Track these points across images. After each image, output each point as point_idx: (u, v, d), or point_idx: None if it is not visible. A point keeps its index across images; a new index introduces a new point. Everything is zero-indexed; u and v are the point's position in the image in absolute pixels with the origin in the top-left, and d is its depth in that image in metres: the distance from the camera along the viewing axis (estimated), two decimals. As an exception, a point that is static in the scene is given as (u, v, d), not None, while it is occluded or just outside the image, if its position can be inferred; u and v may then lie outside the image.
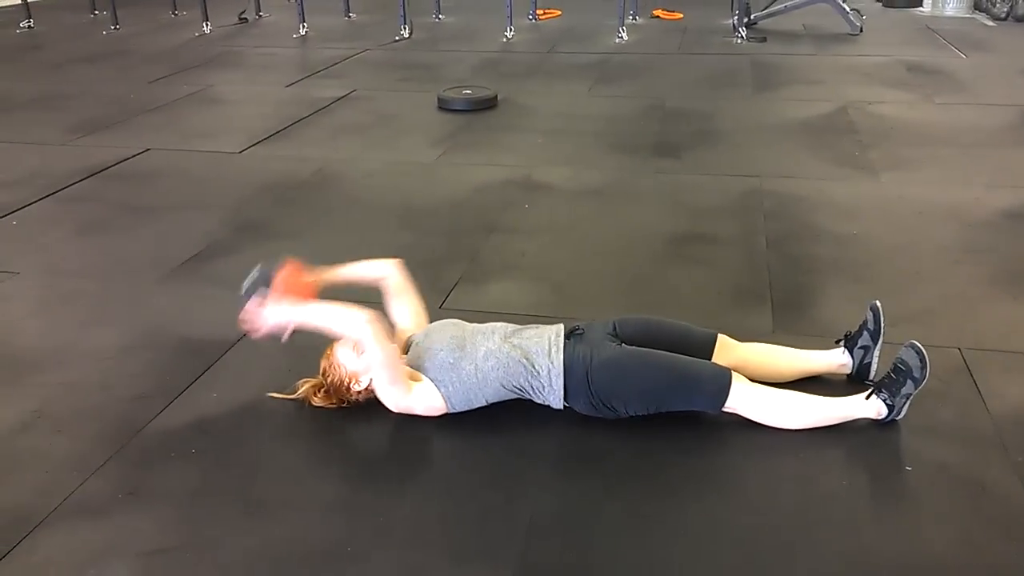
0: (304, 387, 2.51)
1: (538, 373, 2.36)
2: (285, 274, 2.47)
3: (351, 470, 2.30)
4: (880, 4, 9.05)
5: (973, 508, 2.06)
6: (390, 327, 2.60)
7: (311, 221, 3.94)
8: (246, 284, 2.45)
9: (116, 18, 8.92)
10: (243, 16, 9.19)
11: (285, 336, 2.45)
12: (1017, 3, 8.12)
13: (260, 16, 9.37)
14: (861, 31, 7.67)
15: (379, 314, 2.47)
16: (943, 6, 8.56)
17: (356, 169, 4.60)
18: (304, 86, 6.48)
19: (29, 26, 9.10)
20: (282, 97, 6.19)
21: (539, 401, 2.40)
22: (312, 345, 2.80)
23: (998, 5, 8.18)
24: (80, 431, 2.45)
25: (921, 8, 8.81)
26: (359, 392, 2.44)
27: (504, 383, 2.38)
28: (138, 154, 4.92)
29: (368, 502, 2.16)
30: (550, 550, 1.98)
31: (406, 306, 2.72)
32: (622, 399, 2.34)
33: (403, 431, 2.41)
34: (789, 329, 2.86)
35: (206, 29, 8.53)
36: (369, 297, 2.70)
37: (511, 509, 2.11)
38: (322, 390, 2.48)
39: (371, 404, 2.45)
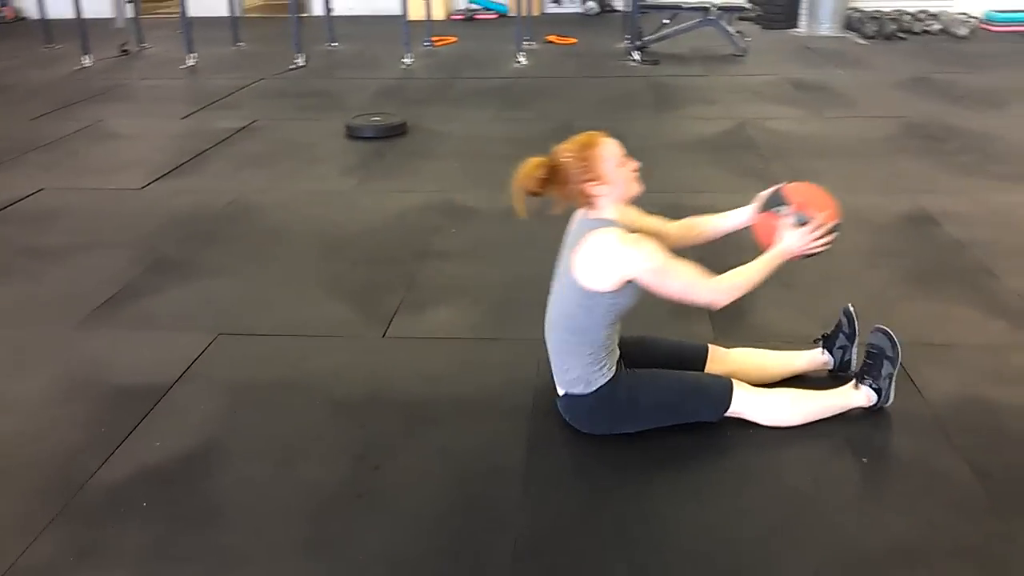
0: (529, 164, 2.27)
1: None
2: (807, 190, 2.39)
3: (315, 507, 2.21)
4: (759, 26, 9.53)
5: (927, 493, 2.18)
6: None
7: (232, 256, 3.80)
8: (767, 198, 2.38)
9: (-14, 52, 8.44)
10: (125, 48, 8.84)
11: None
12: (885, 23, 8.72)
13: (143, 47, 9.04)
14: (745, 52, 8.06)
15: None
16: (817, 27, 9.09)
17: (271, 200, 4.48)
18: (201, 118, 6.28)
19: None
20: (179, 130, 5.98)
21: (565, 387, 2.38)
22: (253, 384, 2.72)
23: (867, 25, 8.75)
24: (15, 490, 2.28)
25: (797, 29, 9.33)
26: (590, 196, 2.23)
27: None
28: (31, 194, 4.64)
29: (341, 540, 2.09)
30: (538, 573, 1.97)
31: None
32: (632, 418, 2.38)
33: (358, 460, 2.35)
34: (729, 335, 2.94)
35: (87, 62, 8.16)
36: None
37: (492, 536, 2.08)
38: (548, 171, 2.24)
39: (314, 433, 2.38)
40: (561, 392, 2.41)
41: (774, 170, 4.74)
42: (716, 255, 2.76)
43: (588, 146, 2.24)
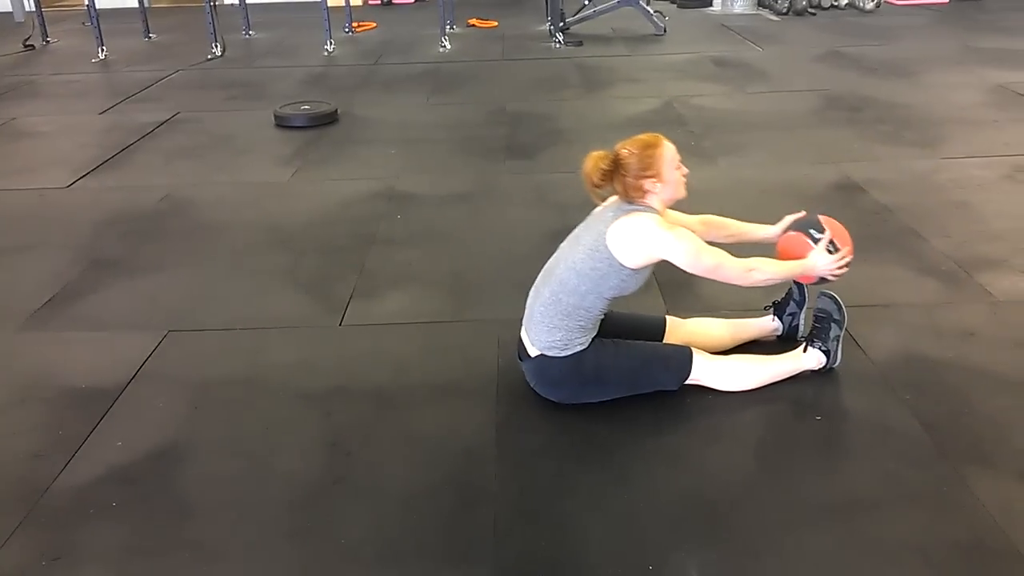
0: (594, 157, 2.42)
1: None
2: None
3: (291, 497, 2.20)
4: (675, 5, 9.71)
5: (880, 445, 2.31)
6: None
7: (172, 252, 3.72)
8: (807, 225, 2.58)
9: None
10: (28, 43, 8.45)
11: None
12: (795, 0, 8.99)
13: (48, 42, 8.65)
14: (665, 31, 8.20)
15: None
16: (731, 5, 9.31)
17: (206, 194, 4.38)
18: (120, 112, 6.08)
19: None
20: (99, 125, 5.77)
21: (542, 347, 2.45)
22: (211, 380, 2.69)
23: (779, 1, 9.01)
24: (-26, 501, 2.20)
25: (712, 7, 9.54)
26: (647, 191, 2.37)
27: None
28: (-53, 197, 4.43)
29: (321, 526, 2.09)
30: (521, 545, 2.01)
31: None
32: (599, 387, 2.47)
33: (330, 447, 2.36)
34: (679, 307, 3.04)
35: (-11, 58, 7.78)
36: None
37: (472, 512, 2.12)
38: (610, 165, 2.39)
39: (281, 425, 2.37)
40: (534, 353, 2.46)
41: (706, 146, 4.87)
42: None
43: (650, 145, 2.41)
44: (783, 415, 2.46)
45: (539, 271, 3.37)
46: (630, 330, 2.58)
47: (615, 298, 2.45)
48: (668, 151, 2.41)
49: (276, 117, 5.59)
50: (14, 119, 5.92)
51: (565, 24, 8.18)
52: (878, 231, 3.65)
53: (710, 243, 2.54)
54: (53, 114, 6.07)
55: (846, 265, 2.55)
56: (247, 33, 8.77)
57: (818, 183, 4.22)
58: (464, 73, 6.92)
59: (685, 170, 2.47)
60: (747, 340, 2.76)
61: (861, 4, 9.03)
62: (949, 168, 4.39)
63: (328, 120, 5.56)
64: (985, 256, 3.37)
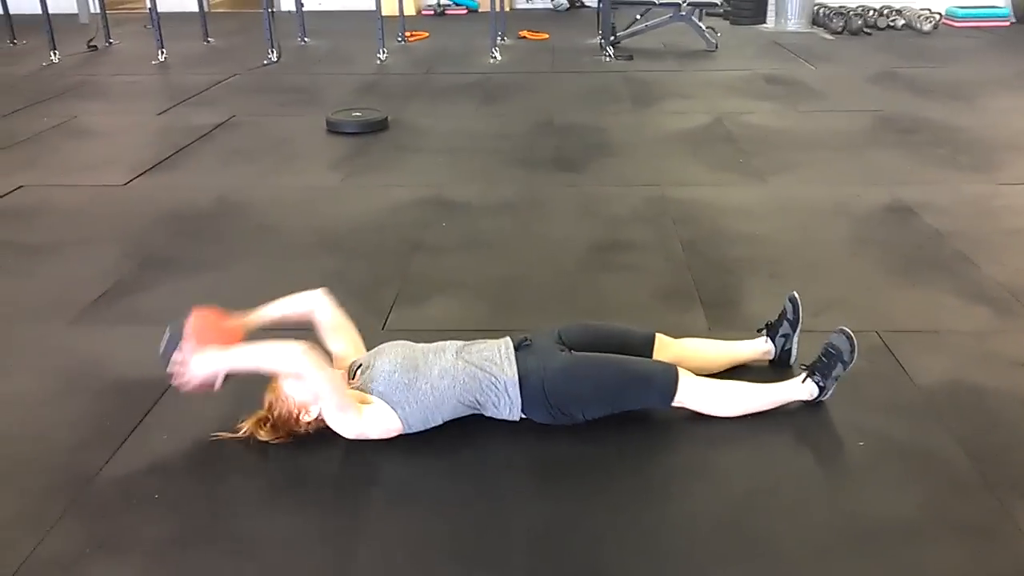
0: (249, 423, 2.41)
1: (494, 386, 2.39)
2: (199, 322, 2.40)
3: (326, 497, 2.23)
4: (728, 22, 9.65)
5: (925, 472, 2.26)
6: (328, 357, 2.55)
7: (224, 252, 3.79)
8: (161, 346, 2.38)
9: (-51, 48, 8.26)
10: (92, 44, 8.71)
11: (218, 385, 2.37)
12: (851, 18, 8.89)
13: (110, 43, 8.90)
14: (716, 47, 8.16)
15: (312, 344, 2.39)
16: (785, 22, 9.23)
17: (258, 196, 4.46)
18: (177, 113, 6.22)
19: None
20: (156, 125, 5.92)
21: (494, 415, 2.42)
22: (257, 378, 2.73)
23: (834, 20, 8.91)
24: (22, 486, 2.26)
25: (765, 24, 9.47)
26: (308, 423, 2.37)
27: (461, 399, 2.39)
28: (11, 192, 4.57)
29: (357, 528, 2.12)
30: (556, 558, 2.01)
31: (342, 334, 2.68)
32: (579, 404, 2.41)
33: (359, 454, 2.37)
34: (723, 325, 3.01)
35: (54, 58, 8.02)
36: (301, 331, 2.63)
37: (505, 522, 2.12)
38: (268, 424, 2.39)
39: (322, 430, 2.40)
40: None
41: (755, 164, 4.83)
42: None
43: (273, 393, 2.38)
44: (825, 437, 2.42)
45: (583, 284, 3.39)
46: (614, 346, 2.52)
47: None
48: (285, 386, 2.37)
49: (328, 123, 5.67)
50: (75, 117, 6.10)
51: (616, 38, 8.18)
52: (929, 255, 3.59)
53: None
54: (112, 114, 6.25)
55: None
56: (303, 40, 8.93)
57: (869, 205, 4.16)
58: (513, 84, 6.96)
59: (304, 379, 2.34)
60: (738, 363, 2.70)
61: (918, 25, 8.89)
62: (1005, 194, 4.30)
63: (379, 127, 5.63)
64: (1040, 285, 3.29)
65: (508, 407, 2.40)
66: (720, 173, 4.68)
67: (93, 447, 2.42)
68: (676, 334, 2.73)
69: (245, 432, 2.40)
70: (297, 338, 2.37)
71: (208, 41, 9.00)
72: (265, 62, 7.88)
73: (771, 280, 3.38)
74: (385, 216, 4.15)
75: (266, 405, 2.39)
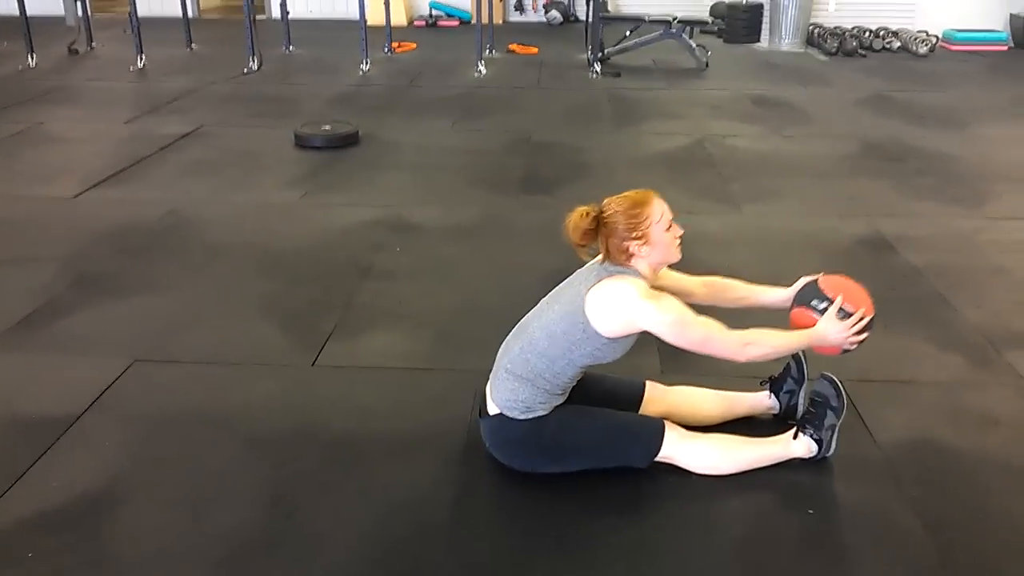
0: (578, 212, 2.20)
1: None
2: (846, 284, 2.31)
3: (220, 558, 2.03)
4: (721, 40, 9.48)
5: (876, 548, 2.06)
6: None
7: (163, 272, 3.60)
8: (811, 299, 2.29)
9: (-76, 49, 8.10)
10: (73, 48, 8.56)
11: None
12: (846, 39, 8.71)
13: (92, 47, 8.76)
14: (707, 66, 7.99)
15: None
16: (779, 42, 9.07)
17: (211, 212, 4.28)
18: (145, 122, 6.05)
19: None
20: (121, 134, 5.75)
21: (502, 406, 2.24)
22: (166, 417, 2.55)
23: (828, 41, 8.74)
24: None
25: (759, 44, 9.30)
26: (631, 253, 2.16)
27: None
28: (-46, 201, 4.40)
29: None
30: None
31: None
32: (556, 457, 2.25)
33: (272, 504, 2.18)
34: (676, 370, 2.80)
35: (31, 62, 7.86)
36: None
37: (410, 591, 1.92)
38: (594, 222, 2.16)
39: (227, 474, 2.20)
40: (493, 411, 2.26)
41: (733, 189, 4.64)
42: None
43: (639, 203, 2.18)
44: (770, 504, 2.21)
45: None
46: (601, 395, 2.35)
47: (590, 365, 2.23)
48: (658, 210, 2.19)
49: (296, 136, 5.49)
50: (41, 124, 5.93)
51: (604, 54, 8.01)
52: (903, 295, 3.39)
53: (713, 308, 2.32)
54: (79, 121, 6.07)
55: (866, 329, 2.25)
56: (288, 49, 8.78)
57: (844, 237, 3.96)
58: (495, 99, 6.79)
59: (679, 231, 2.24)
60: (737, 417, 2.51)
61: (914, 48, 8.72)
62: (992, 229, 4.11)
63: (348, 142, 5.46)
64: (1019, 332, 3.09)
65: (524, 408, 2.22)
66: (696, 199, 4.49)
67: (-25, 494, 2.22)
68: (626, 374, 2.53)
69: (576, 217, 2.18)
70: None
71: (191, 47, 8.85)
72: (245, 71, 7.71)
73: (733, 318, 3.17)
74: (338, 237, 3.96)
75: (604, 208, 2.18)
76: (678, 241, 2.24)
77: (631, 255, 2.18)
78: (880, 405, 2.61)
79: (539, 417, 2.21)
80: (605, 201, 2.21)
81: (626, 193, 2.22)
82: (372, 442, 2.46)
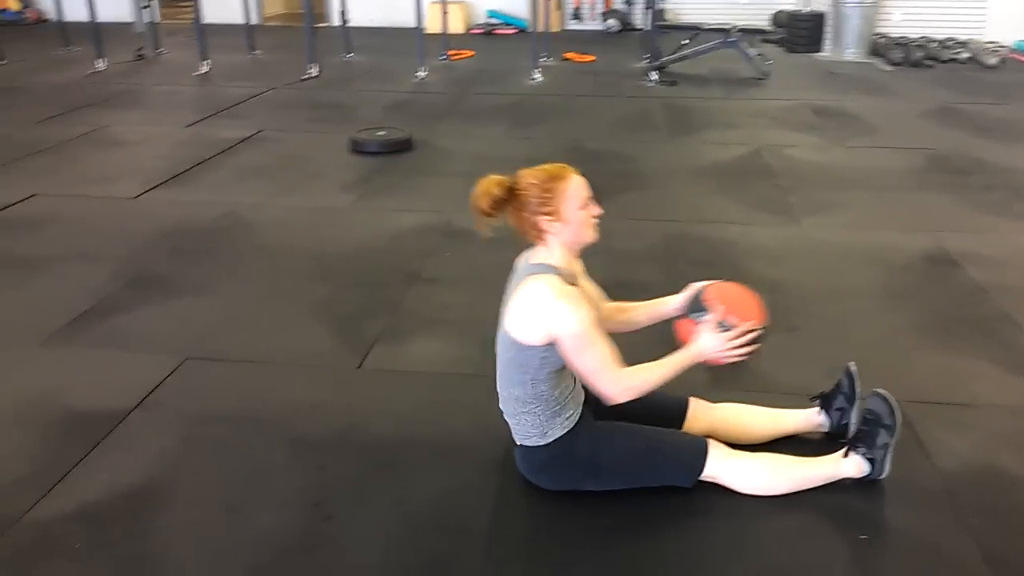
0: (489, 180, 2.09)
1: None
2: (730, 291, 2.20)
3: (257, 561, 2.02)
4: (782, 49, 9.32)
5: (932, 578, 1.96)
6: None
7: (216, 273, 3.65)
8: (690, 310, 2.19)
9: (1, 52, 8.40)
10: (140, 53, 8.80)
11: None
12: (911, 49, 8.49)
13: (159, 52, 8.99)
14: (766, 75, 7.85)
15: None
16: (842, 51, 8.87)
17: (265, 215, 4.33)
18: (206, 126, 6.17)
19: (-97, 60, 8.48)
20: (182, 137, 5.87)
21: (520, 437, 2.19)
22: (212, 416, 2.58)
23: (894, 51, 8.52)
24: (-58, 526, 2.12)
25: (821, 53, 9.11)
26: (543, 229, 2.06)
27: None
28: (22, 200, 4.53)
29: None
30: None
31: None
32: (593, 474, 2.19)
33: (311, 508, 2.17)
34: (726, 385, 2.74)
35: (100, 66, 8.11)
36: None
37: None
38: (507, 193, 2.06)
39: (269, 476, 2.20)
40: (517, 442, 2.22)
41: (791, 201, 4.53)
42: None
43: (555, 178, 2.07)
44: (819, 527, 2.13)
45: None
46: (642, 411, 2.26)
47: (559, 373, 2.10)
48: (574, 185, 2.06)
49: (352, 142, 5.54)
50: (107, 127, 6.09)
51: (661, 63, 7.93)
52: (968, 314, 3.26)
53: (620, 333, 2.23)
54: (143, 124, 6.22)
55: (750, 343, 2.08)
56: (346, 55, 8.89)
57: (906, 252, 3.83)
58: (550, 107, 6.76)
59: (596, 210, 2.11)
60: (785, 435, 2.42)
61: (983, 59, 8.44)
62: (1062, 247, 3.93)
63: (402, 148, 5.48)
64: (1092, 354, 2.94)
65: (539, 434, 2.16)
66: (751, 211, 4.40)
67: (26, 484, 2.26)
68: (671, 389, 2.45)
69: (487, 185, 2.07)
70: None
71: (254, 54, 9.03)
72: (304, 77, 7.83)
73: (787, 334, 3.09)
74: (388, 242, 3.97)
75: (517, 179, 2.09)
76: (594, 221, 2.12)
77: (542, 231, 2.07)
78: (940, 428, 2.50)
79: (565, 436, 2.14)
80: (520, 172, 2.09)
81: (543, 166, 2.11)
82: (413, 447, 2.44)
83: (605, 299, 2.34)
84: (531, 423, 2.14)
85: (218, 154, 5.42)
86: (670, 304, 2.32)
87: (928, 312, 3.27)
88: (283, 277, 3.62)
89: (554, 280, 2.03)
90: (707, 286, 2.21)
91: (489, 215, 2.08)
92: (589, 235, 2.12)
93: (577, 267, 2.25)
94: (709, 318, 2.10)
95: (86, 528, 2.11)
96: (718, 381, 2.75)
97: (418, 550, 2.05)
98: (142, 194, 4.66)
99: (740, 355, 2.10)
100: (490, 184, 2.07)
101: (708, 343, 2.10)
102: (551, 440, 2.14)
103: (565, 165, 2.11)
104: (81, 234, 4.10)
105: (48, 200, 4.56)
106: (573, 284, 2.09)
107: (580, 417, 2.18)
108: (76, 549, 2.04)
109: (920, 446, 2.42)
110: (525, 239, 2.16)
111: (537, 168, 2.10)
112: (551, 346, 2.03)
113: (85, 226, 4.21)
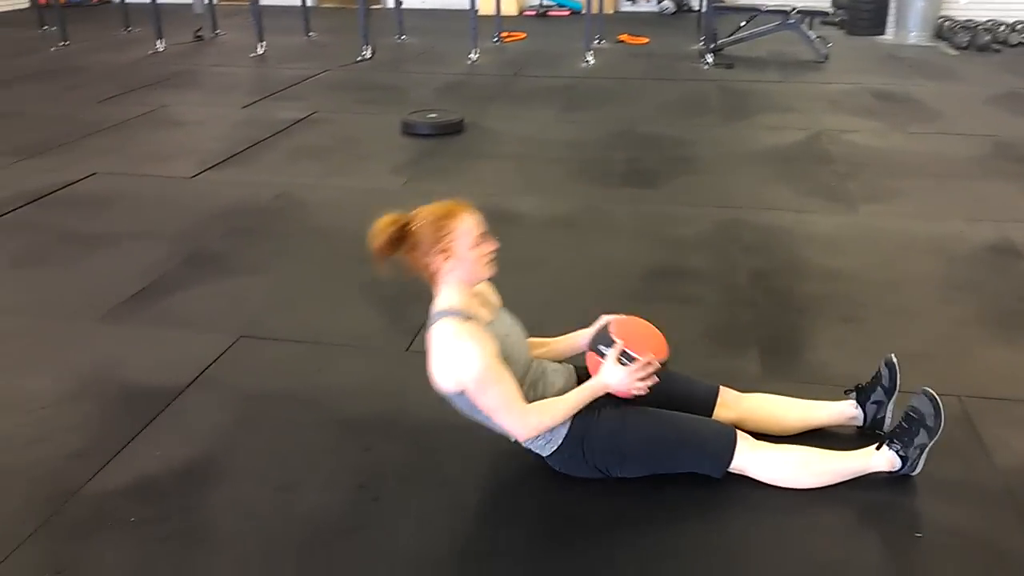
0: (387, 219, 2.10)
1: None
2: (635, 325, 2.22)
3: (305, 539, 2.05)
4: (843, 31, 9.08)
5: (990, 580, 1.91)
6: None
7: (269, 253, 3.70)
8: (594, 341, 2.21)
9: (65, 33, 8.60)
10: (199, 34, 8.93)
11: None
12: (978, 33, 8.20)
13: (217, 34, 9.11)
14: (826, 58, 7.66)
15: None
16: (905, 34, 8.60)
17: (319, 196, 4.37)
18: (262, 107, 6.24)
19: (-28, 41, 8.74)
20: (239, 118, 5.94)
21: (527, 445, 2.19)
22: (264, 394, 2.61)
23: (959, 34, 8.24)
24: (7, 493, 2.19)
25: (883, 36, 8.86)
26: (431, 269, 2.10)
27: None
28: (83, 179, 4.64)
29: (329, 578, 1.94)
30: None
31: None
32: (618, 460, 2.16)
33: (359, 489, 2.19)
34: (779, 375, 2.69)
35: (160, 47, 8.25)
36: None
37: (490, 585, 1.90)
38: (401, 231, 2.08)
39: (318, 455, 2.22)
40: (533, 453, 2.22)
41: (849, 188, 4.42)
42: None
43: (448, 216, 2.09)
44: (874, 525, 2.08)
45: (626, 312, 3.10)
46: (672, 396, 2.22)
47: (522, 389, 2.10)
48: (466, 224, 2.08)
49: (403, 123, 5.55)
50: (165, 106, 6.20)
51: (717, 45, 7.79)
52: (1034, 308, 3.15)
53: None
54: (200, 104, 6.32)
55: (650, 376, 2.09)
56: (400, 37, 8.90)
57: (969, 242, 3.71)
58: (602, 90, 6.69)
59: (491, 246, 2.13)
60: (815, 427, 2.35)
61: (1058, 42, 8.11)
62: None
63: (453, 130, 5.48)
64: None
65: (544, 442, 2.16)
66: (808, 197, 4.30)
67: (84, 458, 2.32)
68: (723, 379, 2.44)
69: (383, 223, 2.09)
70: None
71: (309, 35, 9.09)
72: (358, 59, 7.86)
73: (844, 325, 3.03)
74: (438, 225, 3.97)
75: (411, 218, 2.10)
76: (488, 258, 2.13)
77: (435, 270, 2.10)
78: (1001, 425, 2.43)
79: (572, 433, 2.13)
80: (415, 211, 2.11)
81: (436, 204, 2.12)
82: (457, 432, 2.42)
83: (525, 333, 2.31)
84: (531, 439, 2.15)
85: (273, 135, 5.47)
86: (579, 339, 2.34)
87: (991, 304, 3.17)
88: (334, 258, 3.65)
89: (449, 324, 2.04)
90: (612, 320, 2.22)
91: (385, 255, 2.10)
92: (484, 272, 2.15)
93: (491, 299, 2.28)
94: (612, 351, 2.10)
95: (141, 502, 2.16)
96: (772, 372, 2.70)
97: (461, 534, 2.06)
98: (199, 174, 4.74)
99: (640, 388, 2.10)
100: (385, 223, 2.09)
101: (611, 376, 2.11)
102: (560, 442, 2.15)
103: (459, 202, 2.13)
104: (140, 212, 4.19)
105: (109, 178, 4.66)
106: (470, 318, 2.08)
107: (586, 408, 2.14)
108: (131, 523, 2.09)
109: (980, 443, 2.34)
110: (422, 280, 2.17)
111: (431, 206, 2.12)
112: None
113: (144, 205, 4.29)
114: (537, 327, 3.04)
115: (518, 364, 2.13)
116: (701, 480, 2.18)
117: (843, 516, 2.10)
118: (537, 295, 3.31)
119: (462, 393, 2.06)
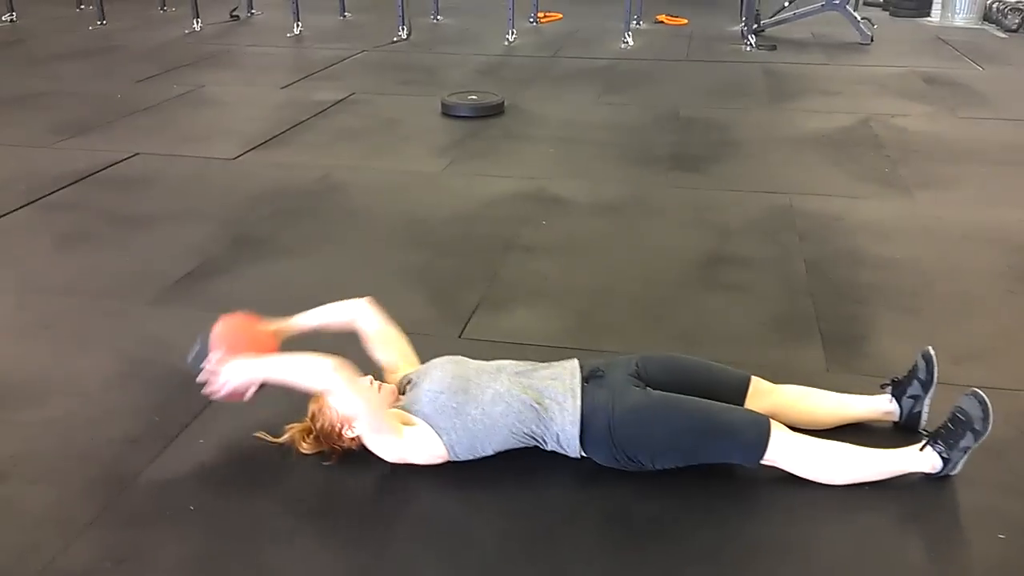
0: (291, 431, 2.23)
1: (552, 420, 2.12)
2: (228, 329, 2.26)
3: (353, 528, 2.02)
4: (887, 13, 8.88)
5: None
6: (378, 369, 2.37)
7: (313, 236, 3.67)
8: (191, 354, 2.25)
9: (103, 13, 8.61)
10: (235, 13, 8.91)
11: (248, 395, 2.22)
12: (1030, 14, 7.98)
13: (252, 14, 9.09)
14: (872, 40, 7.49)
15: (344, 360, 2.15)
16: (952, 16, 8.40)
17: (361, 178, 4.33)
18: (300, 88, 6.21)
19: (11, 20, 8.76)
20: (278, 99, 5.92)
21: (550, 449, 2.16)
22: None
23: (1009, 17, 8.02)
24: (63, 481, 2.18)
25: (929, 18, 8.65)
26: (352, 439, 2.17)
27: (514, 430, 2.13)
28: (126, 159, 4.64)
29: (381, 569, 1.90)
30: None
31: (390, 345, 2.45)
32: (648, 451, 2.10)
33: (400, 479, 2.15)
34: (844, 366, 2.62)
35: (197, 26, 8.24)
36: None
37: (555, 581, 1.86)
38: (311, 436, 2.20)
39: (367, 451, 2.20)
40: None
41: (902, 174, 4.31)
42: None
43: (316, 402, 2.20)
44: (950, 523, 2.02)
45: (681, 303, 3.05)
46: (702, 384, 2.17)
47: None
48: (329, 398, 2.16)
49: (443, 105, 5.50)
50: (203, 87, 6.19)
51: (760, 26, 7.64)
52: (1103, 301, 3.05)
53: None
54: (239, 85, 6.30)
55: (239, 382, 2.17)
56: (436, 18, 8.82)
57: (1033, 232, 3.61)
58: (642, 72, 6.59)
59: (336, 399, 2.14)
60: (850, 421, 2.28)
61: (1113, 23, 7.87)
62: None
63: (493, 112, 5.42)
64: None
65: (567, 444, 2.13)
66: (860, 183, 4.20)
67: (141, 444, 2.31)
68: (786, 371, 2.39)
69: (286, 439, 2.23)
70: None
71: (344, 15, 9.04)
72: (394, 39, 7.80)
73: (905, 317, 2.95)
74: (482, 209, 3.92)
75: (309, 415, 2.21)
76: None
77: (355, 440, 2.17)
78: (1077, 423, 2.34)
79: (598, 425, 2.10)
80: (309, 411, 2.20)
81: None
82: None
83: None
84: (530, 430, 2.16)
85: (312, 116, 5.44)
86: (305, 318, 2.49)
87: (1059, 297, 3.07)
88: (379, 241, 3.61)
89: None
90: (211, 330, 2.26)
91: (318, 452, 2.20)
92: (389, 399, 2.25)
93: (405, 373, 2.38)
94: (213, 360, 2.19)
95: (198, 491, 2.14)
96: (837, 365, 2.63)
97: (500, 522, 2.03)
98: (241, 155, 4.72)
99: (220, 393, 2.20)
100: (300, 439, 2.21)
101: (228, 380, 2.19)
102: (578, 440, 2.13)
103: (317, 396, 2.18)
104: (183, 194, 4.17)
105: (150, 159, 4.66)
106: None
107: (594, 400, 2.11)
108: (190, 511, 2.07)
109: (1057, 442, 2.26)
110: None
111: (303, 423, 2.22)
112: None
113: (186, 186, 4.28)
114: (586, 315, 3.01)
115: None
116: (727, 475, 2.12)
117: (884, 515, 2.02)
118: (588, 280, 3.26)
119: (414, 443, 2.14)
